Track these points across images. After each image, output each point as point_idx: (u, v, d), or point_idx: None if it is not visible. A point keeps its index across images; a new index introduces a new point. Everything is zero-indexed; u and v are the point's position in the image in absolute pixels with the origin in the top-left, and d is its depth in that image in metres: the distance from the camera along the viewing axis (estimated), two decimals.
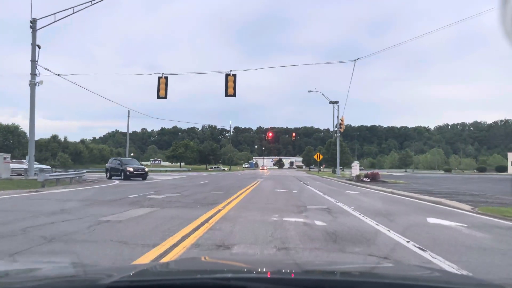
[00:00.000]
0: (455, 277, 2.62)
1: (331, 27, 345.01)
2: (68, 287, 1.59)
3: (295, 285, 1.60)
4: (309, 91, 49.77)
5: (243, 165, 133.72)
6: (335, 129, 49.18)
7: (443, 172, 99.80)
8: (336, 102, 68.69)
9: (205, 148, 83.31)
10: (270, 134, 48.45)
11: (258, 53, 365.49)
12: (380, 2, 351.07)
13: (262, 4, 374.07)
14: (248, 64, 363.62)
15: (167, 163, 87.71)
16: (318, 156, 56.62)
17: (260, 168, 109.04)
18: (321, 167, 77.14)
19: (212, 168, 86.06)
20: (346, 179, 34.54)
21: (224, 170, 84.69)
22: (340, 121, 35.01)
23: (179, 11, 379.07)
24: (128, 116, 56.42)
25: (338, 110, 49.12)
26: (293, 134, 49.49)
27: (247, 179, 31.68)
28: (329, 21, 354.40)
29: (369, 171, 35.19)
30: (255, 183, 25.04)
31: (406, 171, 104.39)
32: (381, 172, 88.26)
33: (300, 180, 32.84)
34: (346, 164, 70.55)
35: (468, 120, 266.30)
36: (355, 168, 33.59)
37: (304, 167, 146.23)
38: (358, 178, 32.31)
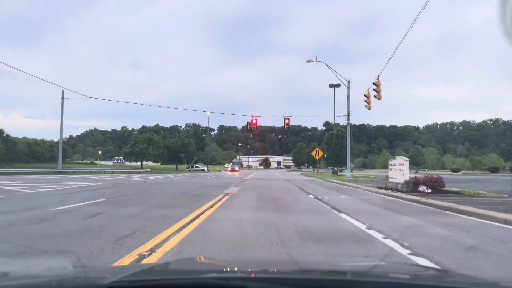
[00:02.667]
0: (455, 277, 2.23)
1: (318, 27, 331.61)
2: (68, 287, 1.51)
3: (295, 284, 1.52)
4: (308, 61, 35.00)
5: (225, 165, 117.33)
6: (349, 113, 34.19)
7: (451, 172, 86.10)
8: (337, 86, 53.83)
9: (175, 144, 65.97)
10: (254, 121, 33.01)
11: (244, 52, 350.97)
12: (366, 2, 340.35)
13: (249, 4, 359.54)
14: (234, 63, 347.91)
15: (135, 163, 71.28)
16: (317, 153, 41.44)
17: (229, 169, 65.82)
18: (317, 166, 62.02)
19: (189, 168, 70.10)
20: (380, 187, 19.61)
21: (203, 170, 69.15)
22: (375, 86, 19.80)
23: (164, 10, 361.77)
24: (62, 98, 40.64)
25: (349, 88, 34.26)
26: (286, 122, 34.25)
27: (203, 193, 16.18)
28: (316, 21, 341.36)
29: (420, 175, 20.06)
30: (203, 213, 9.62)
31: (417, 172, 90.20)
32: (380, 173, 73.34)
33: (308, 193, 17.49)
34: (345, 164, 55.29)
35: (457, 119, 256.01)
36: (401, 169, 18.49)
37: (293, 167, 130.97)
38: (408, 187, 17.44)
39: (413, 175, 19.63)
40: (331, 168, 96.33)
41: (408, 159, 18.72)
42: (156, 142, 58.56)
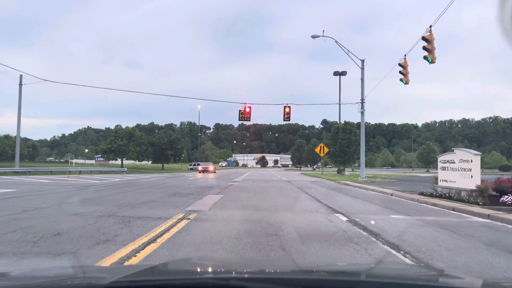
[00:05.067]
0: (455, 277, 2.12)
1: (314, 26, 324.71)
2: (68, 287, 1.46)
3: (294, 284, 1.47)
4: (313, 36, 28.64)
5: (219, 164, 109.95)
6: (361, 101, 27.83)
7: None
8: (343, 73, 47.44)
9: (161, 140, 57.92)
10: (248, 110, 26.36)
11: (241, 51, 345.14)
12: (363, 1, 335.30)
13: (246, 2, 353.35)
14: (230, 62, 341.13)
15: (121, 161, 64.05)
16: (321, 149, 34.85)
17: (200, 169, 45.59)
18: (318, 165, 55.24)
19: (191, 166, 62.82)
20: (427, 195, 13.37)
21: None
22: (425, 43, 12.92)
23: (159, 8, 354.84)
24: (20, 84, 33.99)
25: (363, 69, 27.88)
26: (287, 111, 27.76)
27: (146, 215, 9.40)
28: (312, 20, 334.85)
29: (486, 178, 13.58)
30: None
31: (428, 171, 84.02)
32: (388, 172, 67.00)
33: (331, 207, 10.91)
34: (354, 161, 48.60)
35: (455, 117, 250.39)
36: (466, 168, 12.01)
37: (290, 165, 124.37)
38: (482, 196, 11.17)
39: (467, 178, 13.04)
40: (330, 167, 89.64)
41: (479, 153, 12.17)
42: (138, 137, 50.79)
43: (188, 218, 7.43)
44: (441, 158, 14.03)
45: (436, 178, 14.62)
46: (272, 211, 8.86)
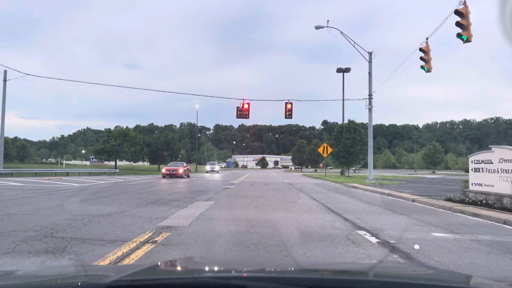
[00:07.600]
0: (456, 276, 2.11)
1: (312, 25, 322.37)
2: (69, 287, 1.45)
3: (295, 284, 1.45)
4: (317, 27, 26.52)
5: (220, 164, 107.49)
6: (368, 97, 25.72)
7: (464, 172, 77.77)
8: (346, 70, 45.52)
9: (156, 140, 55.92)
10: (246, 106, 24.09)
11: (240, 51, 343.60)
12: (361, 1, 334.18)
13: (245, 1, 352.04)
14: (230, 62, 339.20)
15: (110, 162, 61.51)
16: (325, 150, 32.60)
17: (163, 171, 29.48)
18: (320, 166, 52.96)
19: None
20: (458, 201, 11.31)
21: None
22: (459, 18, 10.84)
23: (158, 9, 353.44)
24: (5, 80, 31.78)
25: (370, 62, 25.74)
26: (288, 107, 25.58)
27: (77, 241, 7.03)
28: (312, 20, 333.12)
29: None
30: None
31: (434, 172, 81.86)
32: (391, 173, 64.78)
33: (354, 223, 8.58)
34: (358, 162, 46.31)
35: (455, 118, 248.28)
36: (509, 170, 9.84)
37: (291, 166, 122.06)
38: None
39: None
40: (331, 168, 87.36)
41: None
42: (132, 137, 48.27)
43: (155, 241, 5.20)
44: (473, 157, 11.80)
45: (466, 181, 12.44)
46: (274, 227, 6.64)
